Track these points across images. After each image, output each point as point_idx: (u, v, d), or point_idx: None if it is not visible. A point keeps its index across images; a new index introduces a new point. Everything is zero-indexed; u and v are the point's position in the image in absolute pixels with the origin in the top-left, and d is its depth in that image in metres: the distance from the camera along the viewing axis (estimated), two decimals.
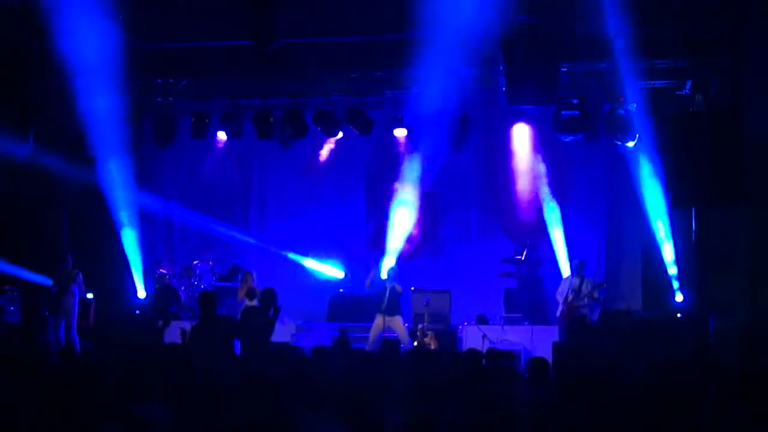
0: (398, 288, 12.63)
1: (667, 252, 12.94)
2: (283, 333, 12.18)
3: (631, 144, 12.90)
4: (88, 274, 12.78)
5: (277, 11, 11.48)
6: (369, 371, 6.77)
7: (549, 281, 14.33)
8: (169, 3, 11.62)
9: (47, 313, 12.43)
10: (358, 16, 11.53)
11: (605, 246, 14.82)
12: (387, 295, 12.53)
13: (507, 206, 15.24)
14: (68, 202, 14.25)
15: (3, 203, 13.27)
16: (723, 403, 5.51)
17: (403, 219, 14.81)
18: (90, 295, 13.00)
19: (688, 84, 12.61)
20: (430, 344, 12.63)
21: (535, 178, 14.92)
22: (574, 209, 14.90)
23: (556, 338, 12.00)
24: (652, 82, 12.38)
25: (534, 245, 14.62)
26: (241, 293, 12.78)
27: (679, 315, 12.33)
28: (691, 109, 12.57)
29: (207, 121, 14.16)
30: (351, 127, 13.93)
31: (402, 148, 15.08)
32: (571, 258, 13.94)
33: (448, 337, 13.17)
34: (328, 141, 15.24)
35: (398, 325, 12.57)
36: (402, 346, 11.80)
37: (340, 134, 14.38)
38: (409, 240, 15.21)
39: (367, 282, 13.19)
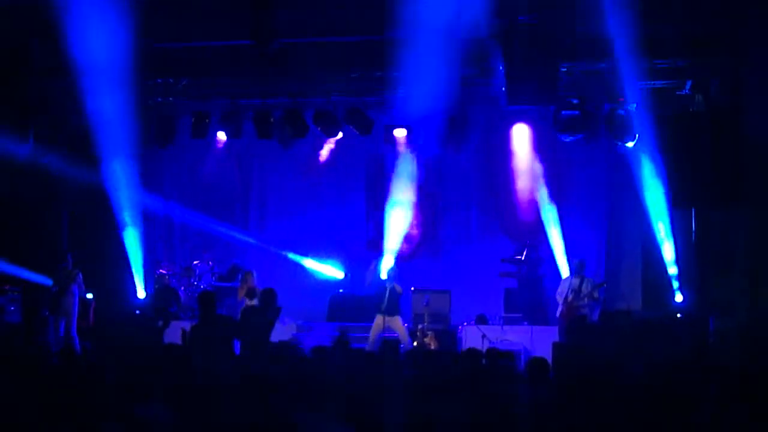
0: (398, 288, 12.64)
1: (667, 252, 12.93)
2: (283, 333, 12.17)
3: (630, 144, 12.90)
4: (88, 274, 12.78)
5: (277, 11, 11.48)
6: (369, 371, 6.77)
7: (549, 281, 14.33)
8: (170, 3, 11.61)
9: (47, 313, 12.43)
10: (358, 16, 11.52)
11: (605, 246, 14.82)
12: (387, 295, 12.54)
13: (507, 206, 15.23)
14: (68, 202, 14.25)
15: (3, 203, 13.27)
16: (723, 403, 5.51)
17: (402, 219, 14.81)
18: (90, 295, 13.00)
19: (688, 84, 12.61)
20: (430, 344, 12.63)
21: (535, 178, 14.91)
22: (574, 209, 14.89)
23: (556, 338, 12.00)
24: (652, 82, 12.38)
25: (534, 245, 14.62)
26: (242, 293, 12.76)
27: (679, 315, 12.32)
28: (691, 109, 12.57)
29: (207, 121, 14.16)
30: (351, 127, 13.93)
31: (402, 148, 15.07)
32: (570, 258, 13.93)
33: (448, 337, 13.17)
34: (328, 141, 15.24)
35: (398, 325, 12.57)
36: (402, 346, 11.80)
37: (340, 134, 14.38)
38: (409, 240, 15.22)
39: (368, 275, 13.24)
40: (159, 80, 13.62)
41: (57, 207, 14.23)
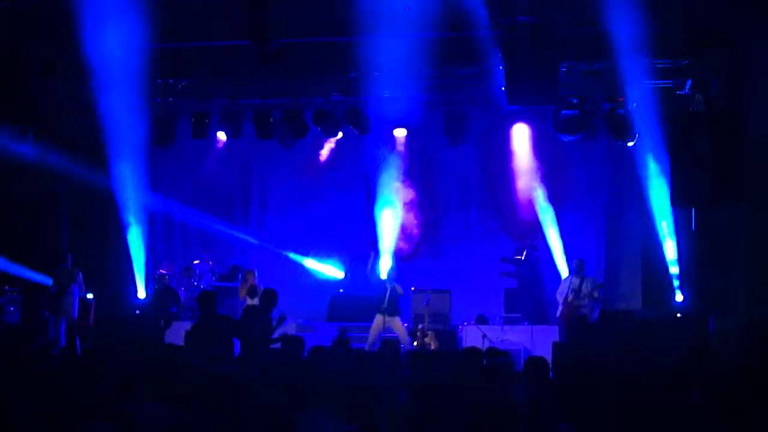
0: (399, 289, 12.64)
1: (669, 251, 12.94)
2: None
3: (630, 144, 12.90)
4: (89, 274, 12.79)
5: (276, 11, 11.46)
6: (369, 371, 6.77)
7: (549, 281, 14.33)
8: (170, 3, 11.61)
9: (47, 313, 12.44)
10: (358, 15, 11.51)
11: (605, 246, 14.82)
12: (387, 295, 12.54)
13: (507, 206, 15.23)
14: (69, 202, 14.26)
15: (3, 203, 13.27)
16: (723, 404, 5.51)
17: (402, 219, 14.81)
18: (90, 296, 13.01)
19: (688, 84, 12.61)
20: (430, 344, 12.63)
21: (535, 178, 14.91)
22: (574, 209, 14.90)
23: (556, 338, 12.01)
24: (652, 81, 12.38)
25: (534, 245, 14.62)
26: (243, 291, 12.76)
27: (679, 315, 12.32)
28: (691, 109, 12.56)
29: (207, 121, 14.17)
30: (351, 127, 13.93)
31: (402, 148, 15.08)
32: (570, 258, 13.94)
33: (448, 337, 13.16)
34: (328, 141, 15.25)
35: (398, 325, 12.57)
36: (402, 346, 11.80)
37: (340, 134, 14.39)
38: (409, 240, 15.22)
39: (369, 263, 13.29)
40: (159, 80, 13.63)
41: (57, 207, 14.24)
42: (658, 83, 12.48)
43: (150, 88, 13.28)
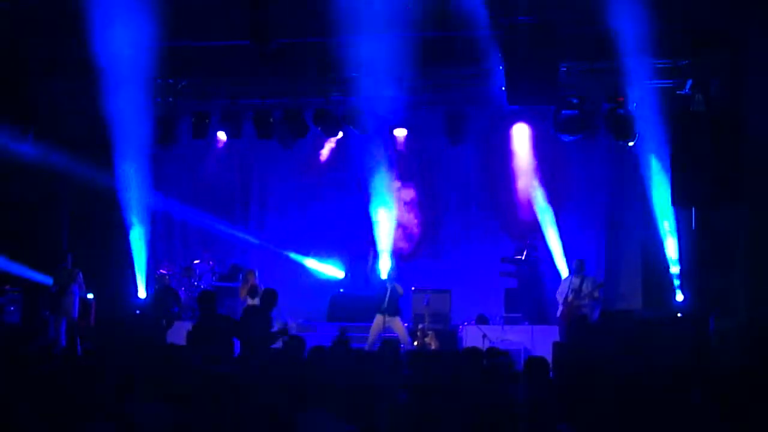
0: (399, 289, 12.64)
1: (671, 250, 12.94)
2: None
3: (630, 144, 12.90)
4: (89, 274, 12.79)
5: (275, 11, 11.46)
6: (369, 371, 6.77)
7: (549, 281, 14.33)
8: (170, 3, 11.61)
9: (47, 313, 12.44)
10: (357, 15, 11.51)
11: (605, 245, 14.82)
12: (388, 295, 12.54)
13: (507, 206, 15.24)
14: (69, 202, 14.26)
15: (4, 203, 13.27)
16: (723, 404, 5.51)
17: (402, 219, 14.80)
18: (90, 296, 13.00)
19: (688, 84, 12.61)
20: (430, 344, 12.63)
21: (535, 178, 14.91)
22: (574, 209, 14.90)
23: (557, 338, 12.00)
24: (653, 81, 12.38)
25: (534, 245, 14.63)
26: (244, 292, 12.74)
27: (679, 315, 12.32)
28: (691, 109, 12.56)
29: (207, 121, 14.17)
30: (351, 126, 13.93)
31: (402, 148, 15.08)
32: (570, 257, 13.94)
33: (449, 337, 13.16)
34: (328, 141, 15.25)
35: (398, 325, 12.57)
36: (402, 346, 11.80)
37: (340, 134, 14.39)
38: (410, 240, 15.22)
39: (369, 261, 13.28)
40: (159, 80, 13.62)
41: (58, 207, 14.24)
42: (658, 83, 12.48)
43: (150, 88, 13.28)
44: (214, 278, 14.98)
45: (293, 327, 13.60)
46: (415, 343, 12.60)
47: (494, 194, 15.38)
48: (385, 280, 12.94)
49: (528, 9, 11.25)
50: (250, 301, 12.09)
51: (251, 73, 13.08)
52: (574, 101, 12.79)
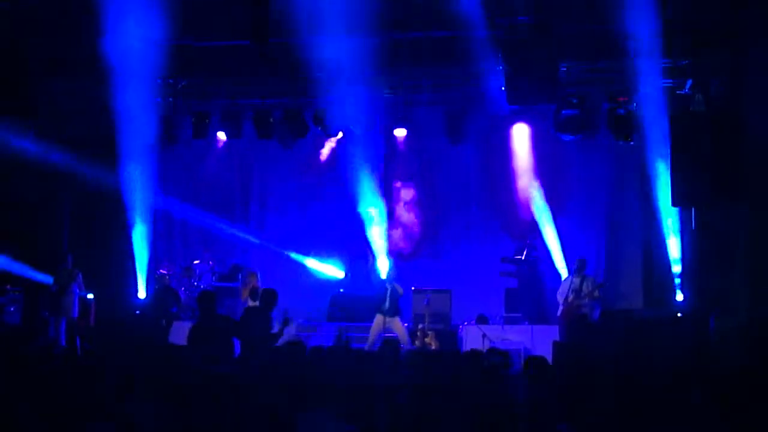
0: (399, 289, 12.64)
1: (673, 249, 12.94)
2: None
3: (630, 143, 12.89)
4: (89, 274, 12.79)
5: (275, 11, 11.46)
6: (369, 371, 6.77)
7: (549, 281, 14.33)
8: (170, 3, 11.61)
9: (47, 313, 12.44)
10: (357, 15, 11.52)
11: (605, 245, 14.82)
12: (388, 295, 12.54)
13: (507, 206, 15.23)
14: (69, 202, 14.26)
15: (4, 202, 13.27)
16: (723, 404, 5.51)
17: (403, 218, 14.80)
18: (90, 296, 13.00)
19: (688, 84, 12.61)
20: (430, 344, 12.63)
21: (535, 178, 14.91)
22: (574, 208, 14.90)
23: (557, 338, 11.99)
24: (653, 81, 12.37)
25: (534, 245, 14.62)
26: (245, 293, 12.69)
27: (679, 314, 12.32)
28: (691, 109, 12.56)
29: (207, 121, 14.17)
30: (351, 126, 13.92)
31: (402, 147, 15.08)
32: (570, 257, 13.94)
33: (449, 337, 13.16)
34: (328, 140, 15.25)
35: (398, 326, 12.57)
36: (402, 346, 11.80)
37: (340, 134, 14.39)
38: (410, 239, 15.21)
39: (369, 266, 13.28)
40: (159, 80, 13.62)
41: (58, 207, 14.24)
42: (659, 83, 12.48)
43: (152, 88, 13.29)
44: (214, 278, 14.97)
45: (293, 326, 13.62)
46: (416, 343, 12.60)
47: (494, 194, 15.37)
48: (385, 280, 12.94)
49: (528, 9, 11.25)
50: (251, 303, 12.07)
51: (251, 73, 13.08)
52: (574, 101, 12.79)
